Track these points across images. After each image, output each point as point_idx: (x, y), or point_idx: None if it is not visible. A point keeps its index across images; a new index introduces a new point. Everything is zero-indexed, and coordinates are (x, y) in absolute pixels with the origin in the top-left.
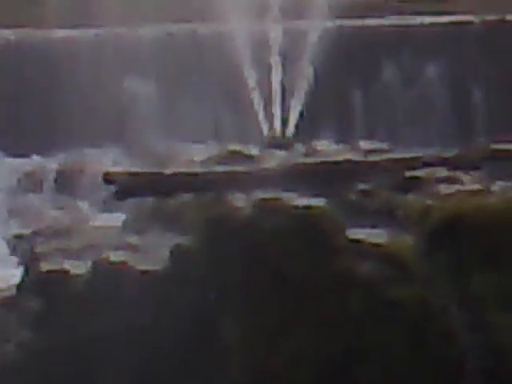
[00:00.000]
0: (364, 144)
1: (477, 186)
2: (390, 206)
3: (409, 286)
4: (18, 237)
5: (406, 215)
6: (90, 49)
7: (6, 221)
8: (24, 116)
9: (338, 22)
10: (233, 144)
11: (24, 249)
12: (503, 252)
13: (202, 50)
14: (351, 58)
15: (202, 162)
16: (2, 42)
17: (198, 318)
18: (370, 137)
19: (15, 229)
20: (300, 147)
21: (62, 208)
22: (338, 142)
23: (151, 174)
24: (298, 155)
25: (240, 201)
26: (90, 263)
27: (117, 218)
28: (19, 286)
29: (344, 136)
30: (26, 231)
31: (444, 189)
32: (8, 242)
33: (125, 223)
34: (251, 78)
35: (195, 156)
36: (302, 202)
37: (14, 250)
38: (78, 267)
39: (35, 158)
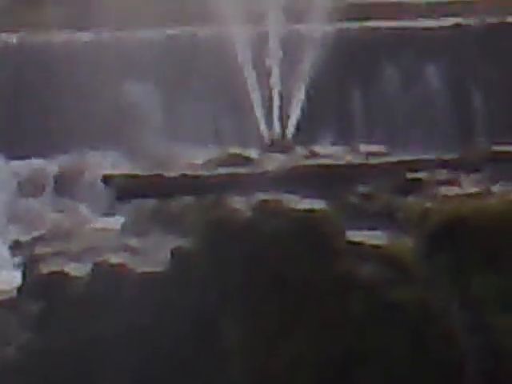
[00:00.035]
0: (364, 147)
1: (477, 188)
2: (390, 209)
3: (409, 289)
4: (19, 240)
5: (406, 217)
6: (89, 52)
7: (6, 224)
8: (24, 119)
9: (338, 25)
10: (233, 147)
11: (24, 251)
12: (503, 254)
13: (201, 53)
14: (351, 61)
15: (202, 165)
16: (2, 45)
17: (198, 321)
18: (370, 139)
19: (15, 232)
20: (300, 150)
21: (62, 211)
22: (338, 144)
23: (151, 176)
24: (298, 158)
25: (240, 203)
26: (90, 266)
27: (117, 221)
28: (20, 289)
29: (344, 139)
30: (26, 234)
31: (444, 191)
32: (8, 245)
33: (125, 226)
34: (251, 80)
35: (195, 159)
36: (303, 204)
37: (14, 253)
38: (78, 270)
39: (35, 161)
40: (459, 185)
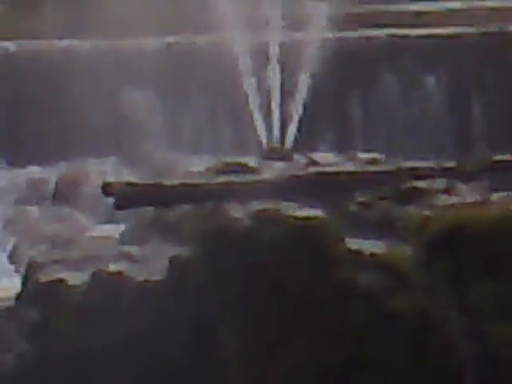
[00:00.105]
0: (363, 155)
1: (476, 197)
2: (389, 217)
3: (408, 297)
4: (18, 247)
5: (405, 226)
6: (90, 60)
7: (5, 231)
8: (23, 127)
9: (337, 34)
10: (232, 155)
11: (23, 259)
12: (502, 262)
13: (201, 61)
14: (350, 69)
15: (201, 173)
16: (2, 53)
17: (197, 329)
18: (368, 148)
19: (14, 239)
20: (299, 158)
21: (61, 219)
22: (336, 152)
23: (150, 184)
24: (296, 166)
25: (239, 212)
26: (88, 274)
27: (116, 229)
28: (18, 297)
29: (343, 147)
30: (26, 241)
31: (443, 199)
32: (7, 253)
33: (124, 234)
34: (250, 89)
35: (194, 167)
36: (301, 212)
37: (13, 261)
38: (76, 278)
39: (35, 169)
40: (458, 193)
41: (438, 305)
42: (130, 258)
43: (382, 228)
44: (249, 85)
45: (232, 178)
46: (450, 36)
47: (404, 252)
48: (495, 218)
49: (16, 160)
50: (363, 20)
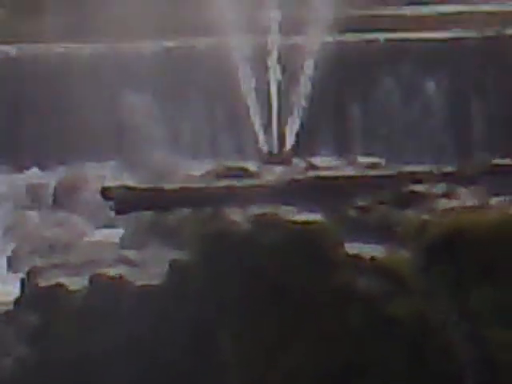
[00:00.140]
0: (362, 159)
1: (475, 201)
2: (389, 221)
3: (407, 301)
4: (17, 252)
5: (404, 230)
6: (89, 64)
7: (4, 236)
8: (23, 130)
9: (337, 37)
10: (231, 159)
11: (22, 264)
12: (502, 267)
13: (200, 64)
14: (350, 73)
15: (201, 177)
16: (1, 57)
17: (196, 333)
18: (368, 152)
19: (14, 244)
20: (298, 162)
21: (60, 223)
22: (336, 157)
23: (149, 188)
24: (296, 170)
25: (238, 216)
26: (88, 278)
27: (115, 233)
28: (18, 301)
29: (342, 151)
30: (25, 246)
31: (442, 204)
32: (7, 257)
33: (123, 238)
34: (249, 92)
35: (194, 171)
36: (301, 217)
37: (12, 265)
38: (76, 282)
39: (34, 173)
40: (457, 197)
41: (437, 309)
42: (129, 262)
43: (382, 232)
44: (248, 88)
45: (231, 182)
46: (449, 40)
47: (403, 256)
48: (494, 223)
49: (15, 164)
50: (363, 23)
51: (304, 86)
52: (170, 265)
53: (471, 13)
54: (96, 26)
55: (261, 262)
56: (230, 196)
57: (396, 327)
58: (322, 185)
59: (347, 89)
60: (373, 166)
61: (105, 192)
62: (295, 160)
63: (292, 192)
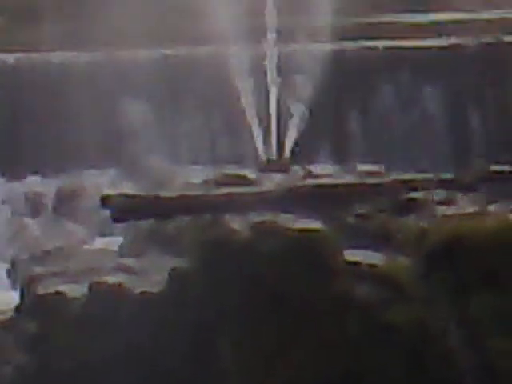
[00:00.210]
0: (361, 167)
1: (474, 208)
2: (388, 229)
3: (407, 308)
4: (16, 259)
5: (403, 237)
6: (87, 72)
7: (3, 243)
8: (21, 139)
9: (336, 45)
10: (230, 167)
11: (22, 272)
12: (500, 274)
13: (199, 73)
14: (348, 81)
15: (200, 185)
16: (0, 65)
17: (195, 341)
18: (367, 159)
19: (13, 251)
20: (297, 170)
21: (59, 231)
22: (335, 164)
23: (149, 196)
24: (295, 178)
25: (237, 223)
26: (87, 286)
27: (114, 241)
28: (17, 309)
29: (341, 159)
30: (24, 254)
31: (441, 211)
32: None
33: (122, 246)
34: (248, 100)
35: (193, 179)
36: (300, 224)
37: (11, 273)
38: (75, 290)
39: (33, 181)
40: (456, 204)
41: (436, 316)
42: (128, 270)
43: (381, 240)
44: (247, 96)
45: (230, 189)
46: (448, 47)
47: (403, 264)
48: (493, 230)
49: (14, 172)
50: (361, 31)
51: (303, 94)
52: (170, 272)
53: (470, 20)
54: (94, 35)
55: (260, 269)
56: (229, 204)
57: (396, 334)
58: (320, 192)
59: (346, 96)
60: (372, 173)
61: (104, 200)
62: (294, 167)
63: (291, 200)
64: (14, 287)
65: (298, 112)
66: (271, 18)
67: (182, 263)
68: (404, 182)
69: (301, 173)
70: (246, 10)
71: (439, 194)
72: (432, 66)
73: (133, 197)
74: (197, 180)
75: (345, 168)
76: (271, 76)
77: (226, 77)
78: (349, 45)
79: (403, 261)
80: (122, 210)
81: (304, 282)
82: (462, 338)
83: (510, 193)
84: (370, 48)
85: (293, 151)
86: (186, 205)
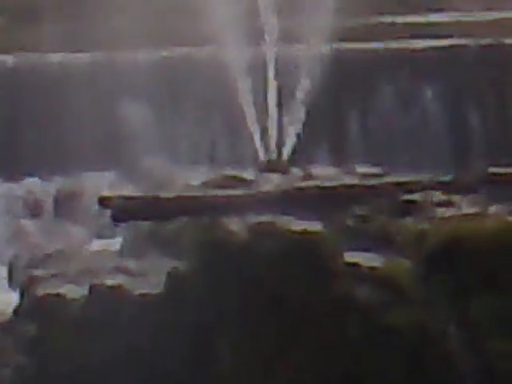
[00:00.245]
0: (360, 168)
1: (473, 210)
2: (387, 230)
3: (406, 311)
4: (16, 261)
5: (402, 239)
6: (87, 73)
7: (3, 245)
8: (21, 140)
9: (335, 46)
10: (229, 168)
11: (21, 273)
12: (500, 275)
13: (198, 74)
14: (348, 82)
15: (199, 186)
16: None
17: (194, 342)
18: (366, 161)
19: (13, 253)
20: (296, 171)
21: (59, 233)
22: (334, 166)
23: (148, 198)
24: (294, 179)
25: (236, 225)
26: (86, 288)
27: (114, 243)
28: (16, 311)
29: (340, 160)
30: (24, 256)
31: (441, 212)
32: (6, 267)
33: (122, 247)
34: (247, 101)
35: (192, 180)
36: (299, 226)
37: (11, 275)
38: (74, 292)
39: (33, 182)
40: (456, 206)
41: (436, 318)
42: (128, 271)
43: (381, 242)
44: (246, 97)
45: (230, 191)
46: (448, 48)
47: (402, 265)
48: (493, 231)
49: (13, 174)
50: (361, 32)
51: (302, 95)
52: (169, 274)
53: (470, 22)
54: (94, 36)
55: (259, 271)
56: (228, 205)
57: (396, 336)
58: (320, 194)
59: (346, 97)
60: (371, 175)
61: (103, 201)
62: (293, 169)
63: (290, 201)
64: (13, 288)
65: (297, 113)
66: (271, 19)
67: (181, 264)
68: (403, 183)
69: (300, 174)
70: (246, 10)
71: (439, 195)
72: (432, 67)
73: (132, 198)
74: (196, 181)
75: (344, 169)
76: (271, 77)
77: (226, 78)
78: (349, 46)
79: (403, 263)
80: (122, 211)
81: (303, 283)
82: (461, 340)
83: (509, 195)
84: (369, 49)
85: (292, 152)
86: (185, 206)
